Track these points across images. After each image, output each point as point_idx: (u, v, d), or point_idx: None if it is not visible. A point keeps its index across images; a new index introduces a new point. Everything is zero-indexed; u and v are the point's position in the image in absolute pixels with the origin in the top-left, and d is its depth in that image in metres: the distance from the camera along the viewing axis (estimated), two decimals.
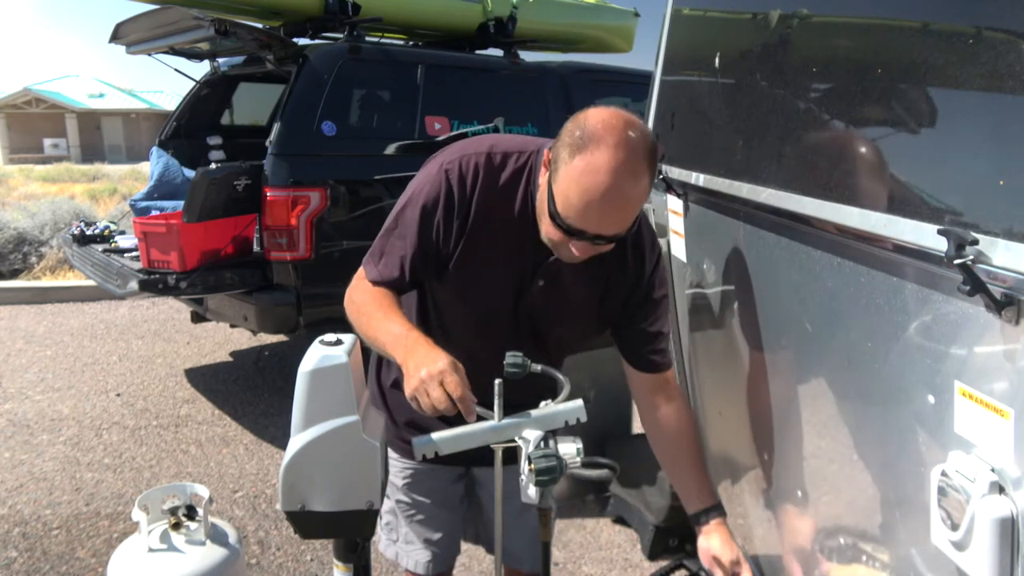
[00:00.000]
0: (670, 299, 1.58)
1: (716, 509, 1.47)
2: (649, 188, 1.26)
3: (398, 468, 1.65)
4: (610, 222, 1.25)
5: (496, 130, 3.91)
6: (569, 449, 1.19)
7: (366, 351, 1.36)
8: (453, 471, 1.65)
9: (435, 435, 1.25)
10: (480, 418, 1.22)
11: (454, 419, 1.22)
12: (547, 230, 1.33)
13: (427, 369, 1.20)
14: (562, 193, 1.24)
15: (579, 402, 1.22)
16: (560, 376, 1.31)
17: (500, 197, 1.40)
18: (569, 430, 1.25)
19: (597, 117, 1.24)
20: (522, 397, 1.27)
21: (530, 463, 1.17)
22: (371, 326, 1.38)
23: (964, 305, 0.96)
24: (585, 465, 1.20)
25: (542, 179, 1.33)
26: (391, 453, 1.64)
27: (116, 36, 4.45)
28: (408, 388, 1.22)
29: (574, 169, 1.22)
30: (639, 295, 1.49)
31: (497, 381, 1.22)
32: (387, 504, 1.68)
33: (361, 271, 1.48)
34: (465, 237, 1.40)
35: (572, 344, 1.59)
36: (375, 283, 1.44)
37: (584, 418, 1.23)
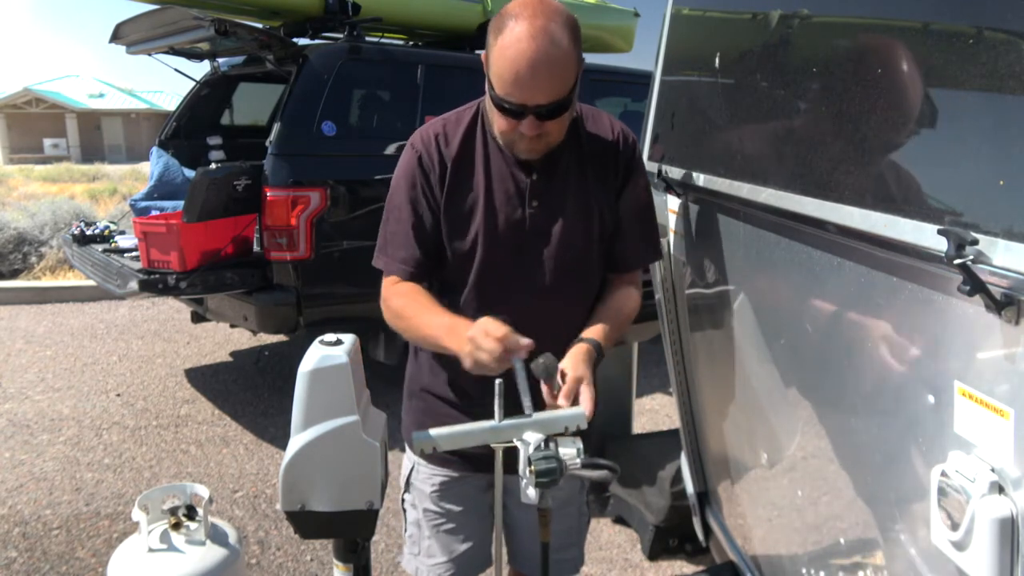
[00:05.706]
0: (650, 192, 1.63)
1: (592, 341, 1.42)
2: (575, 55, 1.34)
3: (426, 475, 1.62)
4: (542, 87, 1.31)
5: None
6: (569, 450, 1.19)
7: (366, 352, 1.36)
8: (484, 479, 1.62)
9: (434, 431, 1.25)
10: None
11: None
12: (497, 123, 1.40)
13: (471, 331, 1.27)
14: (496, 75, 1.33)
15: (580, 409, 1.22)
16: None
17: (465, 142, 1.49)
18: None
19: (512, 2, 1.35)
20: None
21: (530, 464, 1.17)
22: (418, 326, 1.43)
23: (964, 305, 0.96)
24: (585, 466, 1.19)
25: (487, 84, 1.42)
26: (419, 460, 1.63)
27: (116, 36, 4.45)
28: (466, 361, 1.28)
29: (499, 49, 1.32)
30: (620, 179, 1.54)
31: (497, 381, 1.22)
32: (412, 515, 1.66)
33: (385, 277, 1.53)
34: (447, 191, 1.47)
35: (590, 267, 1.56)
36: (396, 271, 1.49)
37: (584, 426, 1.23)
